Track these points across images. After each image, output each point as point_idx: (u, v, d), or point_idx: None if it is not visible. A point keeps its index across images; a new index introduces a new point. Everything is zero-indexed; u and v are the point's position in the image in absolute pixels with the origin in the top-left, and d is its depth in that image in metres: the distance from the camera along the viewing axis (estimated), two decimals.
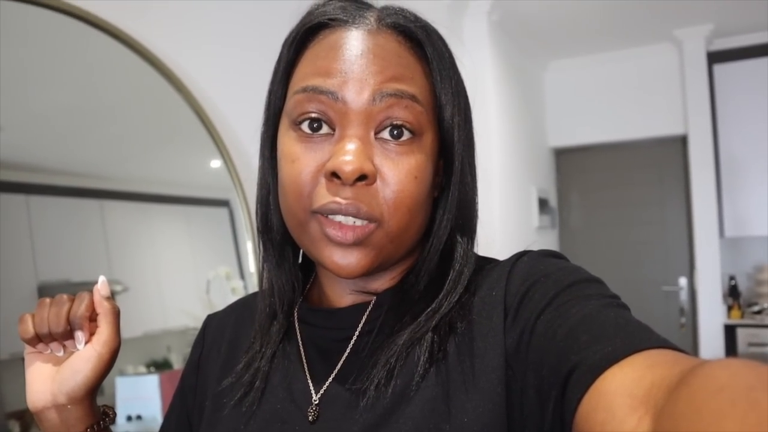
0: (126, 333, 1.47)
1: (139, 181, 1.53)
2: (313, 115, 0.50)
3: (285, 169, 0.52)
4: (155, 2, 1.52)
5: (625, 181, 4.19)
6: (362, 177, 0.49)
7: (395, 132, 0.51)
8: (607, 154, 4.26)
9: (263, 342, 0.60)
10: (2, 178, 1.21)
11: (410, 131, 0.51)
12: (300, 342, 0.59)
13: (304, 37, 0.54)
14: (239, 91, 1.72)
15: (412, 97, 0.51)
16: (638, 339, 0.41)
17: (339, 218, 0.50)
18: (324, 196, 0.49)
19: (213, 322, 0.70)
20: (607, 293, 0.50)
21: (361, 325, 0.56)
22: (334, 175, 0.49)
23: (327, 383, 0.55)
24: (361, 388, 0.51)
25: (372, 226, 0.50)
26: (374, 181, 0.50)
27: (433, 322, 0.52)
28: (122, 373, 1.42)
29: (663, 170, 4.09)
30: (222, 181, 1.68)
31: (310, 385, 0.56)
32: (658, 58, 3.95)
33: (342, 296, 0.58)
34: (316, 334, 0.58)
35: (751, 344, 3.50)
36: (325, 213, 0.50)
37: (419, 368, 0.50)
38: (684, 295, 3.94)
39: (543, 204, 3.91)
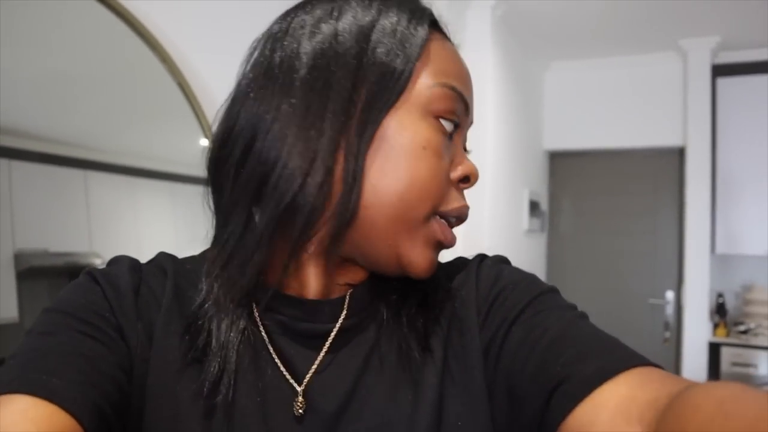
0: None
1: (125, 154, 1.49)
2: (455, 118, 0.52)
3: (427, 162, 0.50)
4: None
5: (618, 189, 4.18)
6: None
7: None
8: (602, 161, 4.25)
9: (226, 327, 0.51)
10: None
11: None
12: (263, 331, 0.53)
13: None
14: (229, 73, 1.68)
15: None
16: (626, 356, 0.45)
17: (452, 224, 0.53)
18: (457, 200, 0.52)
19: (150, 274, 0.54)
20: (570, 304, 0.54)
21: (342, 318, 0.54)
22: (465, 179, 0.53)
23: (308, 376, 0.52)
24: (350, 380, 0.52)
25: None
26: None
27: (418, 316, 0.54)
28: None
29: (658, 181, 4.08)
30: None
31: (287, 376, 0.52)
32: (661, 67, 3.93)
33: (318, 288, 0.54)
34: (286, 323, 0.53)
35: (734, 363, 3.51)
36: (453, 216, 0.52)
37: (411, 361, 0.52)
38: (670, 309, 3.94)
39: (534, 207, 3.89)
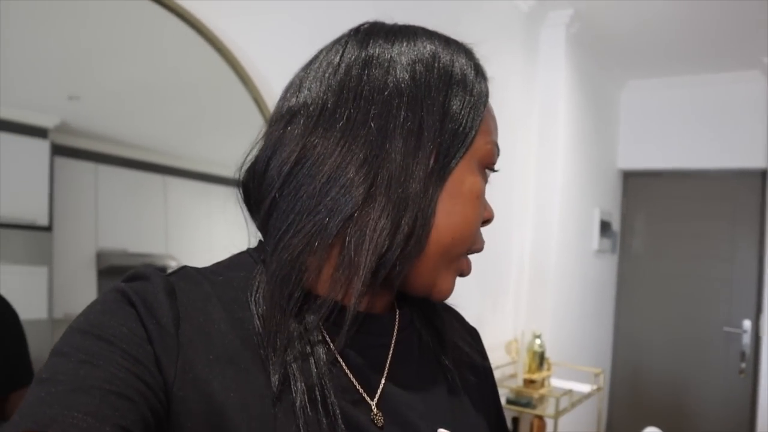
0: None
1: (201, 161, 1.55)
2: (495, 170, 0.60)
3: (475, 208, 0.57)
4: None
5: (695, 211, 4.01)
6: None
7: None
8: (678, 182, 4.08)
9: (287, 338, 0.50)
10: (76, 144, 1.24)
11: None
12: (330, 342, 0.53)
13: None
14: None
15: None
16: None
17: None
18: (481, 239, 0.59)
19: (189, 300, 0.50)
20: None
21: (396, 332, 0.60)
22: (486, 221, 0.60)
23: (380, 387, 0.55)
24: (419, 391, 0.59)
25: None
26: None
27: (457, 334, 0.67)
28: None
29: (737, 205, 3.89)
30: None
31: (359, 388, 0.54)
32: (743, 86, 3.75)
33: (374, 304, 0.59)
34: (351, 337, 0.54)
35: None
36: (476, 251, 0.59)
37: (445, 372, 0.63)
38: (747, 339, 3.72)
39: (605, 227, 3.78)
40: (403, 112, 0.52)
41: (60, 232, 1.19)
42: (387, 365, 0.57)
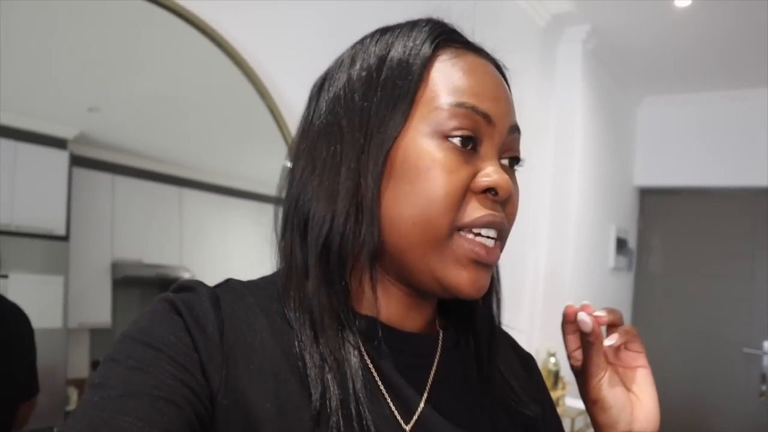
0: None
1: (217, 174, 1.56)
2: (469, 132, 0.51)
3: (439, 179, 0.50)
4: (251, 6, 1.56)
5: (713, 230, 3.96)
6: (508, 197, 0.53)
7: (512, 161, 0.56)
8: (696, 199, 4.04)
9: (324, 354, 0.50)
10: (94, 155, 1.26)
11: (518, 161, 0.57)
12: (368, 360, 0.53)
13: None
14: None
15: (520, 132, 0.56)
16: None
17: (483, 238, 0.51)
18: (477, 210, 0.51)
19: (232, 310, 0.51)
20: None
21: (438, 354, 0.57)
22: (489, 191, 0.51)
23: (419, 411, 0.53)
24: (460, 418, 0.55)
25: (498, 246, 0.53)
26: (509, 202, 0.54)
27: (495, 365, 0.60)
28: None
29: (757, 223, 3.83)
30: None
31: (393, 410, 0.52)
32: (759, 103, 3.72)
33: (412, 321, 0.57)
34: (388, 354, 0.54)
35: None
36: (474, 226, 0.51)
37: (505, 399, 0.59)
38: (767, 361, 3.65)
39: (621, 244, 3.75)
40: (320, 122, 0.55)
41: (76, 242, 1.20)
42: (427, 388, 0.55)
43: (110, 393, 0.42)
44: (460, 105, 0.51)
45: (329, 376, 0.48)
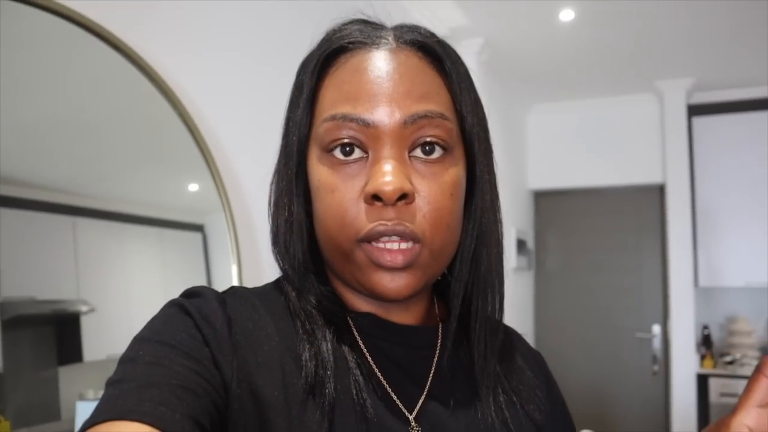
0: (89, 355, 1.39)
1: (115, 200, 1.49)
2: (345, 140, 0.50)
3: (325, 200, 0.51)
4: (155, 12, 1.50)
5: (602, 226, 4.23)
6: (403, 196, 0.49)
7: (427, 148, 0.51)
8: (585, 199, 4.31)
9: (324, 351, 0.52)
10: None
11: (442, 147, 0.52)
12: (365, 350, 0.55)
13: (325, 62, 0.54)
14: (233, 111, 1.71)
15: (442, 116, 0.52)
16: None
17: (385, 244, 0.50)
18: (368, 221, 0.50)
19: (238, 309, 0.53)
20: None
21: (439, 346, 0.58)
22: (375, 197, 0.49)
23: (420, 401, 0.54)
24: (461, 411, 0.56)
25: (417, 246, 0.50)
26: (413, 199, 0.50)
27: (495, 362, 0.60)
28: (82, 398, 1.36)
29: (640, 218, 4.14)
30: (198, 205, 1.65)
31: (396, 401, 0.53)
32: (639, 108, 4.04)
33: (405, 315, 0.58)
34: (387, 348, 0.56)
35: (723, 394, 3.51)
36: (371, 239, 0.50)
37: (510, 396, 0.59)
38: (657, 343, 3.95)
39: (521, 245, 3.92)
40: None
41: None
42: (430, 379, 0.56)
43: (130, 385, 0.43)
44: (332, 117, 0.51)
45: (329, 373, 0.50)
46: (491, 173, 0.60)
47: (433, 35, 0.56)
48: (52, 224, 1.34)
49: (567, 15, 2.91)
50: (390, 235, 0.49)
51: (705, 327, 3.80)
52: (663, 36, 3.12)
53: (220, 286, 1.76)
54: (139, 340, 0.48)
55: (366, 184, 0.50)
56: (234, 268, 1.71)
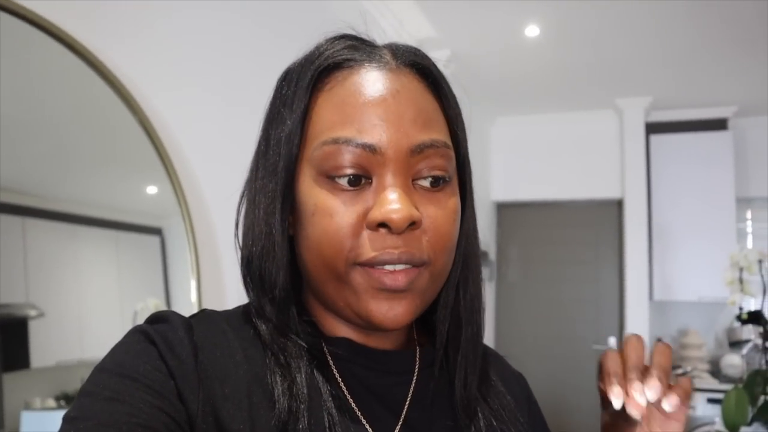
0: (37, 362, 1.35)
1: (68, 201, 1.45)
2: (350, 171, 0.48)
3: (320, 224, 0.49)
4: (114, 14, 1.47)
5: (562, 239, 4.31)
6: (411, 224, 0.48)
7: (432, 180, 0.51)
8: (546, 212, 4.38)
9: (295, 379, 0.50)
10: None
11: (445, 178, 0.51)
12: (340, 380, 0.52)
13: (317, 78, 0.51)
14: (192, 114, 1.68)
15: (445, 144, 0.51)
16: None
17: (388, 266, 0.48)
18: (372, 249, 0.48)
19: (206, 335, 0.51)
20: None
21: (416, 371, 0.56)
22: (381, 225, 0.47)
23: (396, 430, 0.52)
24: None
25: (420, 268, 0.49)
26: (420, 225, 0.49)
27: (487, 375, 0.60)
28: (28, 407, 1.31)
29: (599, 231, 4.23)
30: (156, 208, 1.61)
31: (370, 430, 0.51)
32: (599, 124, 4.13)
33: (384, 340, 0.56)
34: (363, 375, 0.53)
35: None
36: (376, 265, 0.48)
37: (490, 421, 0.57)
38: None
39: (483, 256, 3.94)
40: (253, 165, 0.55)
41: None
42: (406, 406, 0.53)
43: (86, 424, 0.42)
44: (334, 141, 0.48)
45: (303, 407, 0.48)
46: (473, 198, 0.59)
47: (427, 56, 0.55)
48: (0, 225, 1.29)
49: (532, 31, 2.96)
50: (402, 263, 0.48)
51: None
52: (623, 55, 3.21)
53: (179, 288, 1.72)
54: (99, 372, 0.46)
55: (367, 209, 0.48)
56: (192, 283, 1.68)
